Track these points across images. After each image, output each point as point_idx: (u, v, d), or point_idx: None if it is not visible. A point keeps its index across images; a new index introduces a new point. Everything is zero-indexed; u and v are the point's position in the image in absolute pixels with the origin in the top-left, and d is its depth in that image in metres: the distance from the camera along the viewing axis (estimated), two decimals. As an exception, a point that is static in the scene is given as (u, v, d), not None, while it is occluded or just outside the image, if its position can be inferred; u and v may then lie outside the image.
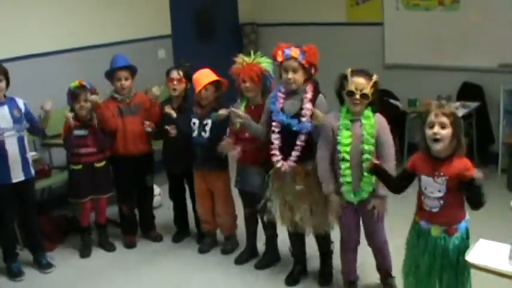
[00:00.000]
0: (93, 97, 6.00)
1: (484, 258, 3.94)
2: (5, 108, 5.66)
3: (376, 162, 4.50)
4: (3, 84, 5.63)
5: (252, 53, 5.53)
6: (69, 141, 6.07)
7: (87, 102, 6.02)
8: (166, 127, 6.03)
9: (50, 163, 6.92)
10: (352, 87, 4.62)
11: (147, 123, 6.13)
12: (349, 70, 4.68)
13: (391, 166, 4.66)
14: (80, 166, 6.13)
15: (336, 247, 5.30)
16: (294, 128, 5.02)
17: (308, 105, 5.02)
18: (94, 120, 6.06)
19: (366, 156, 4.65)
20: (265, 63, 5.46)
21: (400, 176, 4.45)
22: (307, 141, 5.04)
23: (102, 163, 6.26)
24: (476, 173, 3.97)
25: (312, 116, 4.94)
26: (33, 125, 5.89)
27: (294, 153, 5.08)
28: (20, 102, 5.79)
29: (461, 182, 4.05)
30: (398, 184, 4.46)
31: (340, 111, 4.81)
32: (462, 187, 4.07)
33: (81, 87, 6.04)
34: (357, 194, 4.78)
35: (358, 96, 4.62)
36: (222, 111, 5.68)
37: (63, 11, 7.40)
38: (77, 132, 6.07)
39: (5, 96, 5.71)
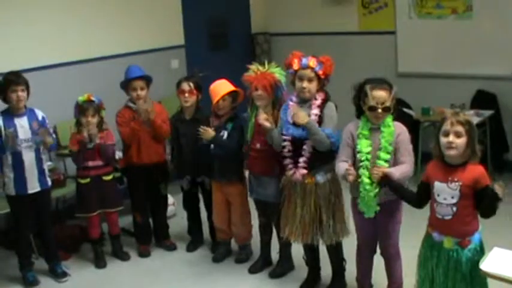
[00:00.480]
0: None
1: (498, 266, 3.91)
2: (25, 119, 5.72)
3: (386, 170, 4.50)
4: (24, 94, 5.68)
5: (265, 62, 5.54)
6: (81, 156, 6.08)
7: (94, 117, 6.01)
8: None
9: (65, 172, 6.94)
10: (373, 103, 4.60)
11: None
12: (368, 86, 4.63)
13: (405, 170, 4.60)
14: (87, 180, 6.13)
15: (351, 256, 5.29)
16: (303, 136, 5.03)
17: (315, 111, 5.04)
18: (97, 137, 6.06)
19: (379, 162, 4.61)
20: (279, 74, 5.47)
21: (419, 190, 4.43)
22: (314, 147, 5.06)
23: (110, 176, 6.27)
24: (497, 188, 3.93)
25: (294, 116, 4.95)
26: None
27: (302, 159, 5.10)
28: (39, 115, 5.83)
29: (476, 190, 4.05)
30: (418, 198, 4.44)
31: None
32: (476, 195, 4.06)
33: (90, 101, 6.04)
34: (371, 209, 4.73)
35: (380, 110, 4.60)
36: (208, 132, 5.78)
37: (76, 22, 7.45)
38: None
39: (25, 106, 5.75)
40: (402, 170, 4.59)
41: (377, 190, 4.64)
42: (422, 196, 4.37)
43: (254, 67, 5.51)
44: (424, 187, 4.32)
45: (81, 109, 6.02)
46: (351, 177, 4.61)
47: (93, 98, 6.06)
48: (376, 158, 4.65)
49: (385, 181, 4.52)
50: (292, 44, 7.88)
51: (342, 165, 4.74)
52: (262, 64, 5.53)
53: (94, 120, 6.03)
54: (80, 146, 6.02)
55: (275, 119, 5.39)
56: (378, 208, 4.72)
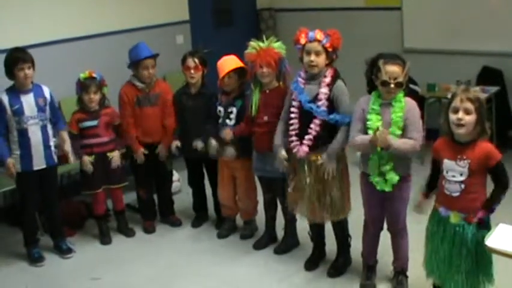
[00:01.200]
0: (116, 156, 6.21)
1: (504, 242, 3.89)
2: (31, 96, 5.70)
3: (387, 136, 4.48)
4: (31, 71, 5.66)
5: (264, 38, 5.51)
6: (79, 139, 6.12)
7: (96, 93, 6.02)
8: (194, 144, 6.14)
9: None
10: (386, 77, 4.57)
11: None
12: (381, 61, 4.59)
13: (409, 143, 4.56)
14: (92, 157, 6.14)
15: (357, 232, 5.30)
16: (314, 111, 5.00)
17: (324, 90, 5.00)
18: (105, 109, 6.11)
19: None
20: (280, 48, 5.45)
21: (432, 169, 4.43)
22: (322, 127, 5.03)
23: (114, 152, 6.28)
24: None
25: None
26: (54, 116, 5.90)
27: (308, 137, 5.08)
28: (46, 91, 5.82)
29: (487, 167, 4.07)
30: (431, 178, 4.45)
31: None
32: (489, 172, 4.09)
33: (91, 78, 6.04)
34: (388, 181, 4.71)
35: (392, 86, 4.57)
36: (229, 135, 5.81)
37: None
38: (87, 123, 6.09)
39: (32, 82, 5.74)
40: (404, 141, 4.56)
41: (392, 164, 4.65)
42: (435, 174, 4.37)
43: (254, 44, 5.48)
44: (435, 165, 4.34)
45: (83, 86, 6.01)
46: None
47: (94, 75, 6.06)
48: None
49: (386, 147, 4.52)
50: (298, 20, 7.86)
51: (362, 136, 4.72)
52: (262, 40, 5.51)
53: (96, 97, 6.03)
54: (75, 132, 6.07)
55: (281, 93, 5.42)
56: (397, 178, 4.68)
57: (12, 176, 5.72)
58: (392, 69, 4.57)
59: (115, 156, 6.17)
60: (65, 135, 5.98)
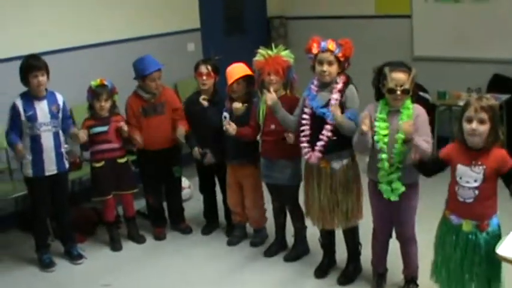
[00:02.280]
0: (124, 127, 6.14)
1: (515, 251, 3.91)
2: (45, 102, 5.74)
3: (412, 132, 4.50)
4: (45, 78, 5.70)
5: (273, 46, 5.55)
6: (88, 144, 6.13)
7: (107, 101, 6.07)
8: (196, 150, 6.20)
9: (81, 155, 6.97)
10: (392, 85, 4.59)
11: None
12: (387, 68, 4.62)
13: (426, 145, 4.53)
14: (102, 163, 6.17)
15: (367, 240, 5.30)
16: (326, 116, 5.01)
17: (335, 95, 5.02)
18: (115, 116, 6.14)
19: (396, 146, 4.62)
20: (288, 57, 5.49)
21: (432, 162, 4.43)
22: (333, 132, 5.03)
23: (124, 159, 6.31)
24: None
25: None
26: (64, 123, 5.93)
27: (320, 143, 5.08)
28: (60, 99, 5.86)
29: (501, 173, 4.07)
30: (430, 171, 4.47)
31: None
32: (504, 177, 4.08)
33: (103, 86, 6.07)
34: (394, 191, 4.73)
35: (399, 93, 4.58)
36: (239, 105, 5.78)
37: (91, 5, 7.46)
38: (97, 129, 6.12)
39: (46, 89, 5.78)
40: (425, 142, 4.54)
41: (399, 173, 4.66)
42: (435, 170, 4.40)
43: (263, 52, 5.51)
44: (439, 163, 4.33)
45: (94, 94, 6.05)
46: (364, 128, 4.63)
47: (105, 83, 6.09)
48: (394, 141, 4.65)
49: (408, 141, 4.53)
50: (308, 28, 7.90)
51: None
52: (270, 48, 5.53)
53: (107, 104, 6.08)
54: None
55: (288, 101, 5.43)
56: (403, 189, 4.70)
57: (23, 157, 5.73)
58: (398, 76, 4.59)
59: (123, 126, 6.13)
60: (74, 129, 6.02)
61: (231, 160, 6.04)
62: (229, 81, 5.82)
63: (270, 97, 5.30)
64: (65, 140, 5.94)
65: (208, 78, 6.12)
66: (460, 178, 4.14)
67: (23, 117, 5.67)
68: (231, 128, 5.74)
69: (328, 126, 5.03)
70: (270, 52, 5.49)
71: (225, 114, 5.97)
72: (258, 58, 5.52)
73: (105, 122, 6.12)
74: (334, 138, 5.03)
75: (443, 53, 8.53)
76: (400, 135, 4.59)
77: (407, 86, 4.59)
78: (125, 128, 6.09)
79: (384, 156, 4.67)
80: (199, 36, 8.82)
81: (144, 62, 6.21)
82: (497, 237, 4.15)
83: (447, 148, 4.30)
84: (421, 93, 7.95)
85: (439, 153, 4.36)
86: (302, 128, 5.20)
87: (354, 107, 5.03)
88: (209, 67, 6.12)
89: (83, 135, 5.95)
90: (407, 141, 4.56)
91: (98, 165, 6.19)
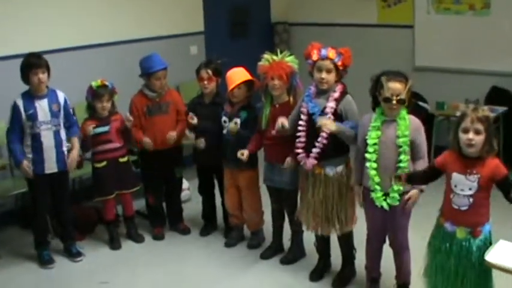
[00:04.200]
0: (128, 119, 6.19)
1: (503, 258, 3.98)
2: (45, 101, 5.78)
3: (398, 174, 4.59)
4: (45, 76, 5.73)
5: (278, 51, 5.58)
6: (89, 143, 6.19)
7: (109, 102, 6.12)
8: (189, 115, 6.19)
9: (82, 154, 7.01)
10: (388, 94, 4.65)
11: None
12: (384, 77, 4.68)
13: (423, 166, 4.69)
14: (104, 163, 6.22)
15: (361, 244, 5.35)
16: (316, 119, 5.08)
17: (331, 104, 5.08)
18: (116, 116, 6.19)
19: (402, 156, 4.70)
20: (292, 62, 5.52)
21: (427, 170, 4.50)
22: (329, 140, 5.09)
23: (126, 158, 6.36)
24: None
25: (322, 126, 5.01)
26: (68, 121, 5.97)
27: (315, 150, 5.14)
28: (61, 96, 5.90)
29: (495, 182, 4.12)
30: (425, 178, 4.53)
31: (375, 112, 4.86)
32: (498, 186, 4.14)
33: (103, 86, 6.12)
34: (389, 198, 4.79)
35: (394, 102, 4.65)
36: (233, 125, 5.87)
37: (96, 5, 7.51)
38: (99, 129, 6.16)
39: (47, 87, 5.83)
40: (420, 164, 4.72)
41: (398, 184, 4.73)
42: (431, 178, 4.46)
43: (268, 56, 5.55)
44: (434, 171, 4.39)
45: (96, 94, 6.09)
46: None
47: (106, 83, 6.15)
48: (388, 150, 4.73)
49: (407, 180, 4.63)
50: (311, 35, 7.95)
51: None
52: (275, 53, 5.58)
53: (108, 105, 6.13)
54: (87, 135, 6.12)
55: (290, 108, 5.48)
56: (398, 203, 4.79)
57: (29, 176, 5.80)
58: (394, 86, 4.65)
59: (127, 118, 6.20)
60: (75, 142, 6.05)
61: (230, 163, 6.08)
62: (230, 87, 5.87)
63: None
64: (67, 139, 5.98)
65: (210, 82, 6.17)
66: (455, 186, 4.20)
67: (23, 116, 5.71)
68: (244, 155, 5.79)
69: (324, 134, 5.08)
70: (274, 57, 5.53)
71: (224, 118, 6.03)
72: (262, 63, 5.56)
73: (106, 122, 6.17)
74: (330, 146, 5.09)
75: (443, 64, 8.58)
76: (399, 143, 4.69)
77: (403, 96, 4.65)
78: (130, 118, 6.15)
79: (372, 165, 4.76)
80: (203, 39, 8.86)
81: (150, 60, 6.28)
82: (488, 243, 4.22)
83: (443, 156, 4.35)
84: (420, 103, 8.04)
85: (435, 161, 4.43)
86: (298, 134, 5.26)
87: (354, 118, 5.09)
88: (210, 71, 6.15)
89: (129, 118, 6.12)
90: (400, 147, 4.68)
91: (100, 165, 6.24)
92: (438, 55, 8.64)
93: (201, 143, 6.17)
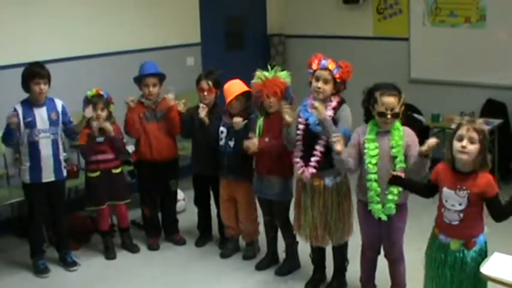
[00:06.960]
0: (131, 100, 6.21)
1: (498, 270, 4.00)
2: (44, 110, 5.82)
3: (395, 173, 4.57)
4: (47, 87, 5.78)
5: (269, 67, 5.58)
6: (89, 149, 6.18)
7: (103, 110, 6.12)
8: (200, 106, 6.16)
9: (78, 164, 7.03)
10: (382, 109, 4.69)
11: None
12: (378, 92, 4.71)
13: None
14: (97, 173, 6.23)
15: (355, 256, 5.36)
16: (319, 132, 5.08)
17: (329, 113, 5.10)
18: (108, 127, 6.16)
19: (398, 165, 4.72)
20: (285, 77, 5.56)
21: (426, 186, 4.51)
22: (326, 148, 5.10)
23: (119, 169, 6.37)
24: None
25: (315, 110, 5.00)
26: (66, 127, 6.02)
27: (314, 159, 5.16)
28: (59, 104, 5.94)
29: (484, 198, 4.13)
30: (426, 192, 4.53)
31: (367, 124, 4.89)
32: (484, 202, 4.15)
33: (98, 96, 6.14)
34: (385, 208, 4.82)
35: (389, 116, 4.69)
36: (239, 119, 5.83)
37: (93, 16, 7.55)
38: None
39: (46, 96, 5.85)
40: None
41: (393, 195, 4.76)
42: (431, 191, 4.46)
43: (260, 74, 5.57)
44: (432, 186, 4.39)
45: (90, 103, 6.09)
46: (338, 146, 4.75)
47: (101, 92, 6.16)
48: (383, 162, 4.76)
49: (394, 181, 4.61)
50: (307, 47, 7.99)
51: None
52: (271, 65, 5.60)
53: (103, 114, 6.13)
54: (88, 140, 6.12)
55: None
56: (394, 211, 4.81)
57: (14, 122, 5.70)
58: (388, 100, 4.69)
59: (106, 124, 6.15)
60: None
61: (226, 175, 6.09)
62: (228, 99, 5.89)
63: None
64: (64, 147, 5.99)
65: (210, 93, 6.20)
66: (446, 201, 4.22)
67: (21, 123, 5.73)
68: (251, 144, 5.68)
69: (321, 142, 5.12)
70: (267, 74, 5.54)
71: (222, 129, 6.05)
72: (255, 81, 5.59)
73: (101, 133, 6.16)
74: (327, 155, 5.08)
75: (439, 76, 8.61)
76: (395, 154, 4.72)
77: (397, 110, 4.69)
78: (131, 98, 6.19)
79: (373, 176, 4.78)
80: (199, 50, 8.89)
81: (143, 65, 6.35)
82: (484, 254, 4.24)
83: (436, 169, 4.36)
84: (415, 115, 8.07)
85: (430, 177, 4.44)
86: (296, 143, 5.28)
87: (346, 124, 5.11)
88: (210, 82, 6.18)
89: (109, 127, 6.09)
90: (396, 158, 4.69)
91: (93, 175, 6.25)
92: (434, 67, 8.67)
93: (203, 110, 6.13)
